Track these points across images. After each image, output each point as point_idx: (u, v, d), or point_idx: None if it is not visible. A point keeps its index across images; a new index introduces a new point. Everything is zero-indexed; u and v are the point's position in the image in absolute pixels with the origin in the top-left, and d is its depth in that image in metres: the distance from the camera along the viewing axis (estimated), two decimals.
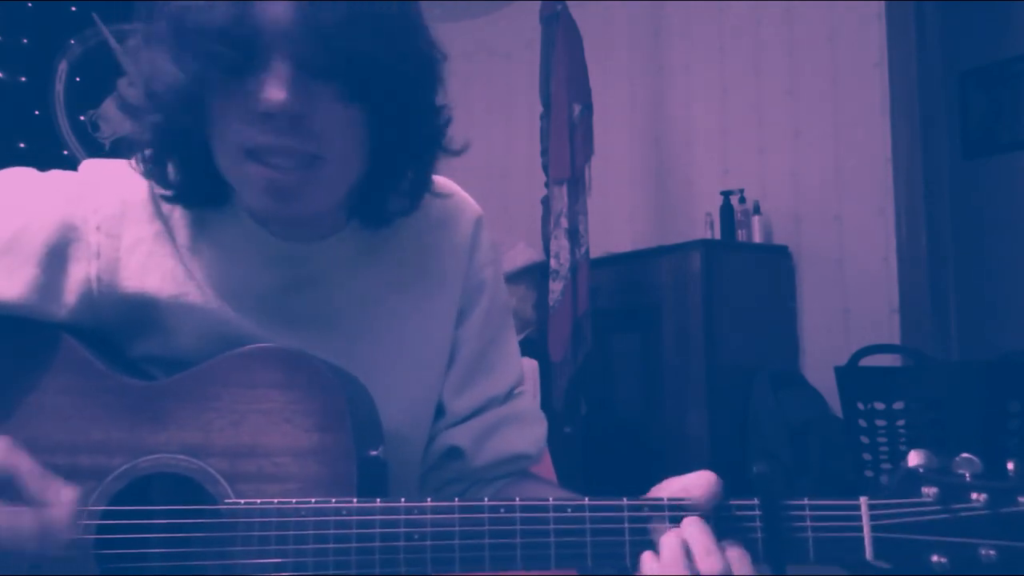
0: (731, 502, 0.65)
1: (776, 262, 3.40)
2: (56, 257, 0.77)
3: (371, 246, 0.86)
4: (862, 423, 2.46)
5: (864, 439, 2.45)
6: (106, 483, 0.71)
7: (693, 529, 0.64)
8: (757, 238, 3.42)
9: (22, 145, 3.68)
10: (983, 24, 4.10)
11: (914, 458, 0.64)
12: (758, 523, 0.64)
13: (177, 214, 0.82)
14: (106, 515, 0.71)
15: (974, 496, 0.61)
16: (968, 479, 0.62)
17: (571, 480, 2.97)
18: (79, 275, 0.78)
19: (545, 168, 3.25)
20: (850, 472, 2.60)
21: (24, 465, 0.65)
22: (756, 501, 0.65)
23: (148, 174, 0.78)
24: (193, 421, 0.72)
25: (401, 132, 0.76)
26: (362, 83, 0.70)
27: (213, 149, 0.73)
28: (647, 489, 0.68)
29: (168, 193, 0.79)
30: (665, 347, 3.24)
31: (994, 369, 2.28)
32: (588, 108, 3.21)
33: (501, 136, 4.59)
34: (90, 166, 0.83)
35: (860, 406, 2.46)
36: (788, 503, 0.64)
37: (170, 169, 0.77)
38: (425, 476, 0.90)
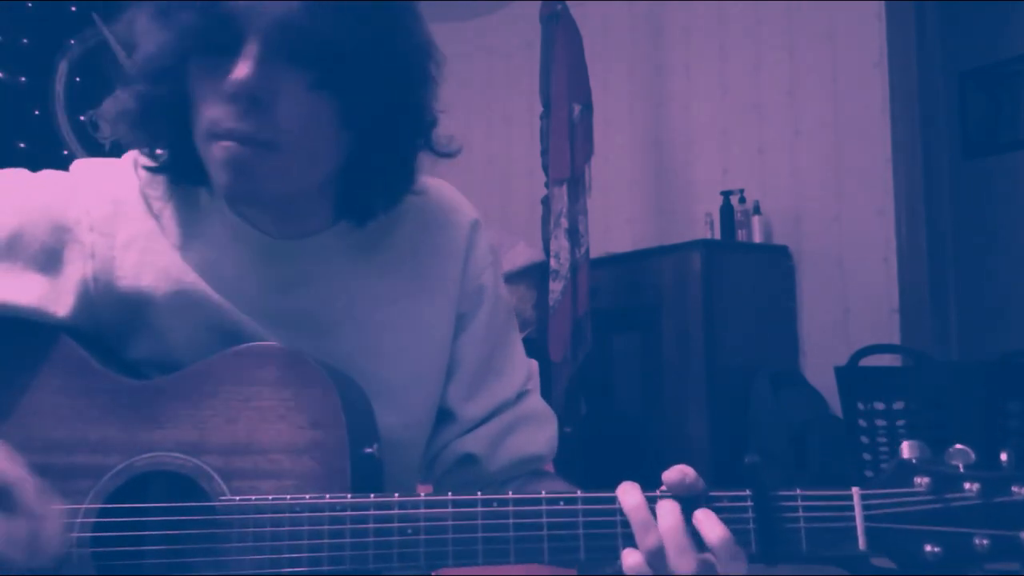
0: (723, 493, 0.65)
1: (776, 262, 3.40)
2: (53, 259, 0.77)
3: (362, 247, 0.85)
4: (862, 423, 2.46)
5: (864, 439, 2.45)
6: (102, 482, 0.71)
7: (667, 522, 0.63)
8: (757, 238, 3.42)
9: (22, 145, 3.68)
10: (983, 24, 4.10)
11: (907, 449, 0.64)
12: (751, 514, 0.64)
13: (168, 212, 0.81)
14: (102, 513, 0.71)
15: (967, 486, 0.61)
16: (961, 469, 0.62)
17: (571, 480, 2.97)
18: (76, 276, 0.78)
19: (545, 168, 3.25)
20: (850, 472, 2.60)
21: (23, 479, 0.66)
22: (748, 492, 0.64)
23: (136, 142, 0.79)
24: (189, 419, 0.72)
25: (378, 127, 0.75)
26: (334, 72, 0.70)
27: (192, 130, 0.74)
28: (648, 489, 0.68)
29: (152, 164, 0.79)
30: (665, 347, 3.24)
31: (994, 369, 2.28)
32: (588, 108, 3.21)
33: (501, 136, 4.59)
34: (80, 166, 0.83)
35: (860, 406, 2.46)
36: (780, 494, 0.64)
37: (155, 140, 0.78)
38: (439, 482, 0.90)
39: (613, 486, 0.67)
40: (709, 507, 0.64)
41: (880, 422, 2.42)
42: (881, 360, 2.71)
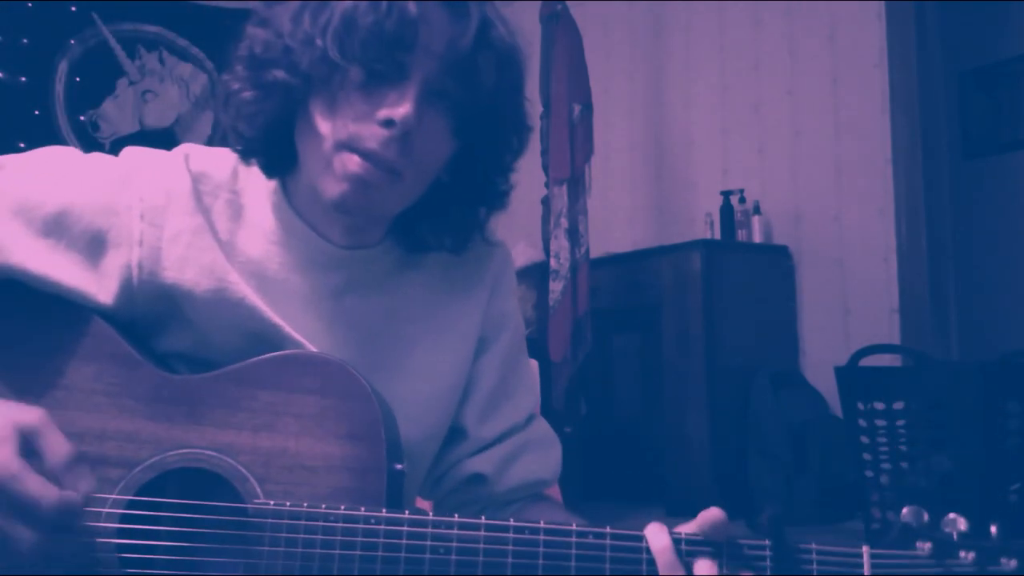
0: (743, 541, 0.68)
1: (776, 262, 3.40)
2: (99, 242, 0.77)
3: (403, 265, 0.87)
4: (862, 423, 2.46)
5: (864, 439, 2.45)
6: (133, 474, 0.71)
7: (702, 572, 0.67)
8: (757, 238, 3.42)
9: (22, 145, 3.67)
10: (983, 24, 4.11)
11: (907, 514, 0.69)
12: (768, 563, 0.68)
13: (218, 208, 0.81)
14: (130, 506, 0.70)
15: (963, 554, 0.67)
16: (956, 537, 0.68)
17: (571, 480, 2.97)
18: (120, 261, 0.77)
19: (545, 168, 3.25)
20: (850, 472, 2.60)
21: (55, 441, 0.65)
22: (767, 542, 0.68)
23: (233, 120, 0.79)
24: (226, 419, 0.72)
25: (473, 177, 0.82)
26: (473, 122, 0.77)
27: (306, 128, 0.76)
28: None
29: (239, 145, 0.81)
30: (665, 347, 3.24)
31: (993, 369, 2.28)
32: (588, 108, 3.21)
33: None
34: (133, 153, 0.83)
35: (860, 406, 2.46)
36: (797, 547, 0.68)
37: (252, 124, 0.79)
38: (444, 500, 0.92)
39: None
40: (736, 556, 0.68)
41: (880, 422, 2.42)
42: (881, 360, 2.71)
